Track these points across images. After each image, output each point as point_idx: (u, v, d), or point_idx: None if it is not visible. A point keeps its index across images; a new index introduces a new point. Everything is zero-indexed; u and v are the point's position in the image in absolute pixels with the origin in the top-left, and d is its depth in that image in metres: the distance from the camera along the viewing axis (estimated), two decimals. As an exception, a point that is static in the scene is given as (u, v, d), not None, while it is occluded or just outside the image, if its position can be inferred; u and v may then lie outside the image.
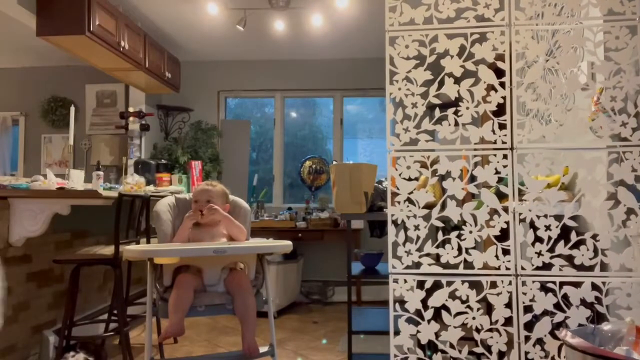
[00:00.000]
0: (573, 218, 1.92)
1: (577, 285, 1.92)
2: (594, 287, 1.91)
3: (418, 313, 1.98)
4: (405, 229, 1.99)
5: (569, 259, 1.95)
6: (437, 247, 1.97)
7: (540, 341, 1.94)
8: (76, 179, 2.88)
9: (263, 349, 2.12)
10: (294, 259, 4.56)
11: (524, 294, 1.94)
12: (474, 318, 1.97)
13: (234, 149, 5.27)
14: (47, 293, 2.84)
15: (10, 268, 2.55)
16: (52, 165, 5.41)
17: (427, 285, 1.99)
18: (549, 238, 1.92)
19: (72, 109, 3.28)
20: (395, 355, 2.00)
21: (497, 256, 1.96)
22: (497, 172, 1.97)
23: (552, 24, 2.10)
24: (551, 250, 1.92)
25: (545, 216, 1.93)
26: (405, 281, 1.99)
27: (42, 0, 3.51)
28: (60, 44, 3.68)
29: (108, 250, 2.56)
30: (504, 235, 1.96)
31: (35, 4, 3.50)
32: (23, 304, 2.64)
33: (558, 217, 1.93)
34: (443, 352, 2.01)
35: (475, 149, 2.01)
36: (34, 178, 2.62)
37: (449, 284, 1.98)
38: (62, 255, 2.68)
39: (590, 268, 1.91)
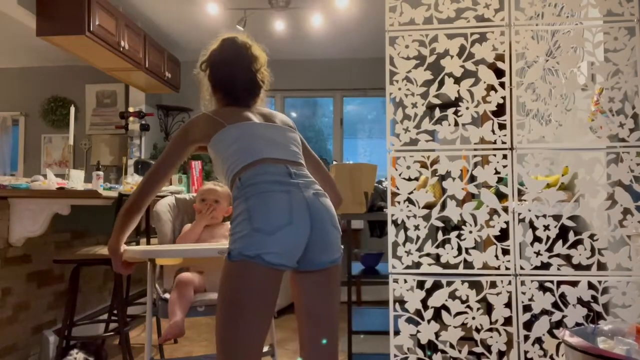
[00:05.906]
0: (572, 218, 1.92)
1: (574, 284, 1.92)
2: (590, 286, 1.91)
3: (418, 313, 1.98)
4: (405, 229, 2.00)
5: (567, 258, 1.95)
6: (437, 247, 1.98)
7: (539, 340, 1.94)
8: (76, 179, 2.88)
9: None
10: (294, 258, 4.55)
11: (523, 293, 1.94)
12: (473, 318, 1.97)
13: (234, 149, 5.26)
14: (47, 293, 2.84)
15: (10, 268, 2.55)
16: (52, 165, 5.41)
17: (427, 285, 2.00)
18: (548, 238, 1.92)
19: (72, 109, 3.27)
20: (395, 355, 2.00)
21: (496, 256, 1.96)
22: (497, 172, 1.97)
23: (552, 24, 2.10)
24: (550, 249, 1.93)
25: (544, 216, 1.94)
26: (405, 281, 1.99)
27: (42, 0, 3.51)
28: (60, 44, 3.68)
29: (108, 250, 2.55)
30: (503, 235, 1.96)
31: (35, 4, 3.50)
32: (23, 304, 2.64)
33: (557, 217, 1.94)
34: (443, 352, 2.01)
35: (475, 149, 2.01)
36: (34, 178, 2.62)
37: (449, 284, 1.98)
38: (62, 255, 2.68)
39: (587, 267, 1.91)
